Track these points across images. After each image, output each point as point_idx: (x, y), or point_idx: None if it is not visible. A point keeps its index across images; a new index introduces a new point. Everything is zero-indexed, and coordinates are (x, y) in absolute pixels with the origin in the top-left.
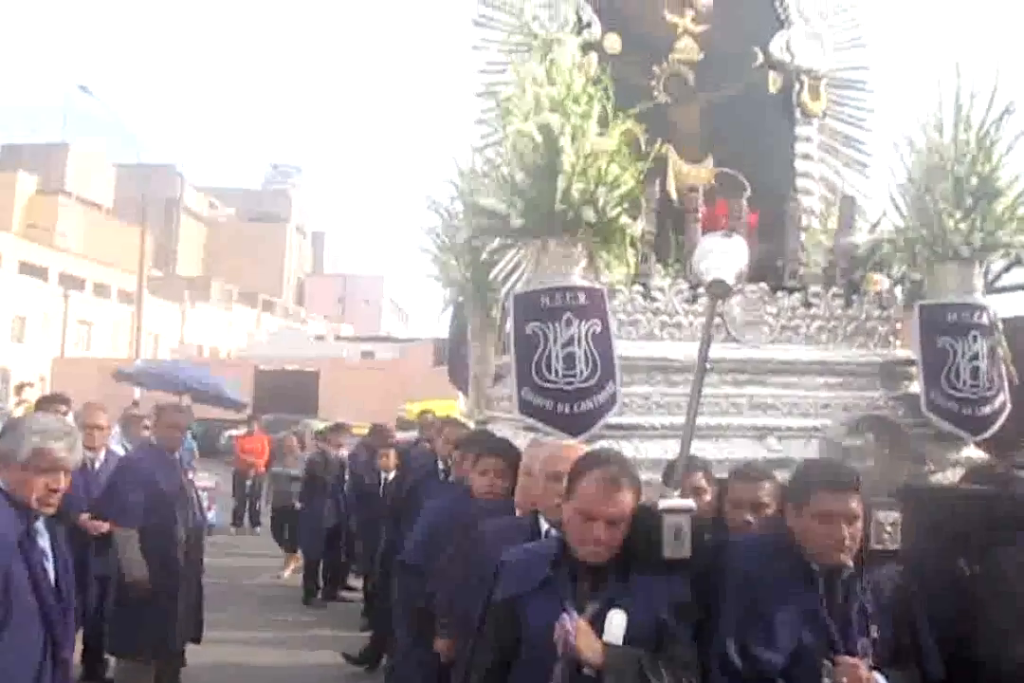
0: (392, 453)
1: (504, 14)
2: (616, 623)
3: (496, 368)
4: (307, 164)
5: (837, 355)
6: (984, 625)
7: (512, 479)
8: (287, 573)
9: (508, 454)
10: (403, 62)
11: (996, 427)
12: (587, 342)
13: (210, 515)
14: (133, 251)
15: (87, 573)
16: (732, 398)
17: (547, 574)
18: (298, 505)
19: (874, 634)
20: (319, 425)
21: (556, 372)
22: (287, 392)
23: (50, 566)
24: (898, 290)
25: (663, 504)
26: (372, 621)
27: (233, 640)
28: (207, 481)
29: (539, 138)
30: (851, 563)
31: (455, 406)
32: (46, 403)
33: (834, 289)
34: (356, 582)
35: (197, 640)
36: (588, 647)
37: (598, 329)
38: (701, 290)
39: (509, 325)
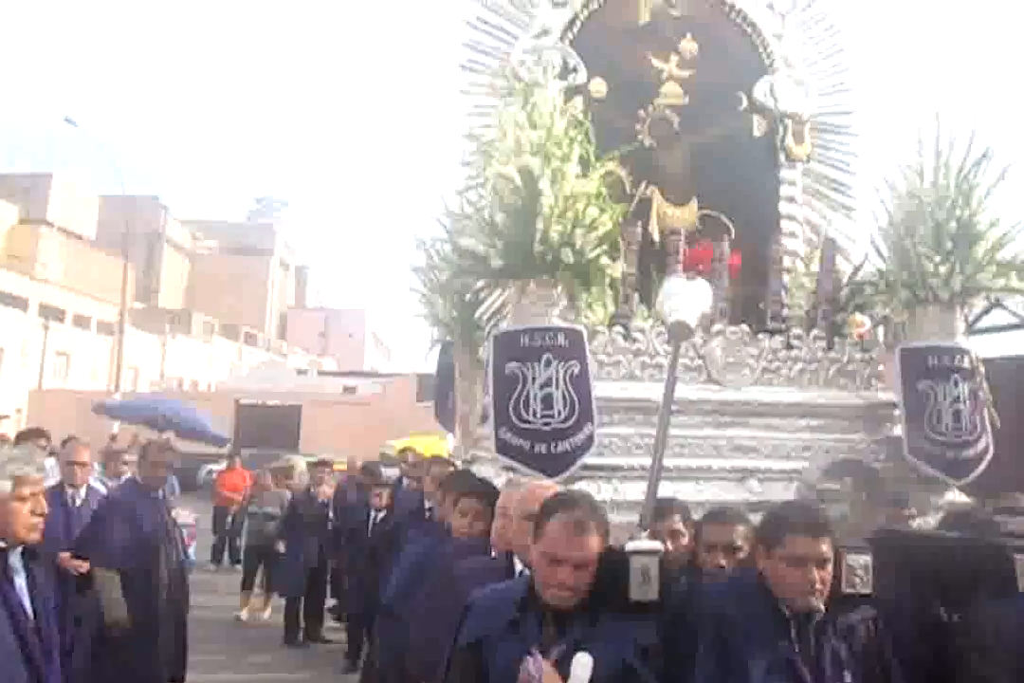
0: (385, 493)
1: (491, 59)
2: (582, 666)
3: (483, 408)
4: (292, 198)
5: (819, 397)
6: (962, 674)
7: (491, 519)
8: (267, 613)
9: (487, 495)
10: (392, 101)
11: (979, 471)
12: (566, 383)
13: (189, 552)
14: (114, 282)
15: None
16: (712, 440)
17: (514, 616)
18: (281, 546)
19: (848, 680)
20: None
21: (534, 412)
22: (268, 427)
23: (27, 604)
24: (880, 331)
25: (630, 546)
26: (355, 663)
27: None
28: (187, 518)
29: (519, 180)
30: (822, 607)
31: (438, 442)
32: (25, 437)
33: (816, 331)
34: (333, 623)
35: (178, 681)
36: None
37: (577, 370)
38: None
39: (489, 364)
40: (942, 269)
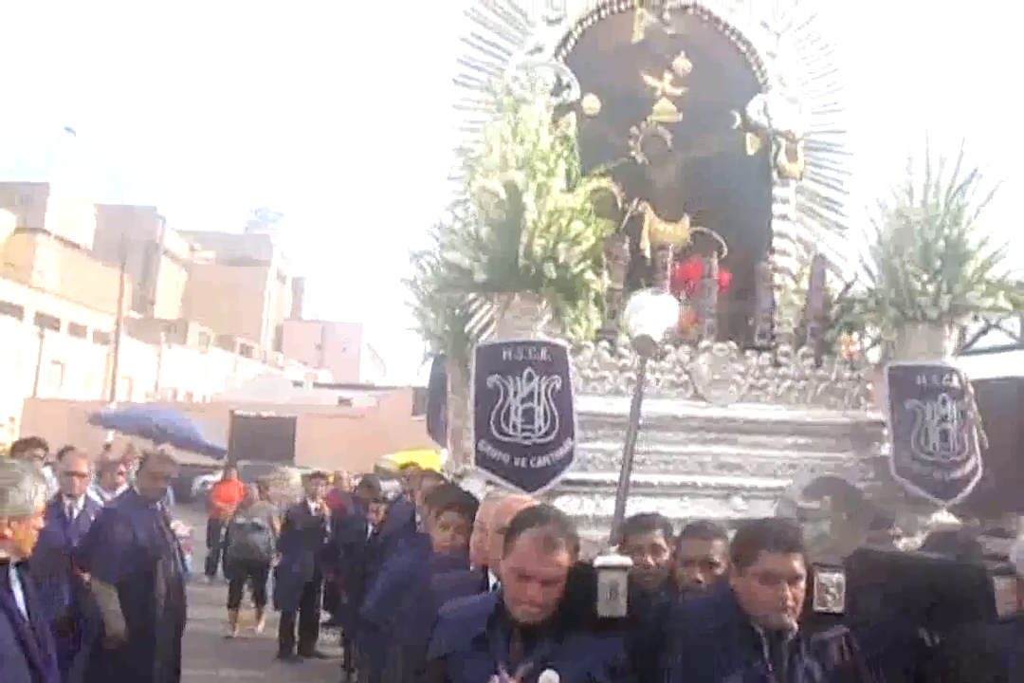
0: (383, 508)
1: (485, 75)
2: None
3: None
4: (289, 209)
5: (806, 415)
6: None
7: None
8: (260, 627)
9: (469, 508)
10: (390, 113)
11: (967, 492)
12: (547, 398)
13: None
14: (111, 292)
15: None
16: (697, 456)
17: (482, 632)
18: (275, 559)
19: None
20: (296, 473)
21: (514, 426)
22: (263, 438)
23: (25, 612)
24: (875, 351)
25: (599, 561)
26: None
27: None
28: (182, 529)
29: (503, 195)
30: (795, 624)
31: (434, 457)
32: (22, 447)
33: (804, 349)
34: (327, 636)
35: None
36: None
37: (559, 385)
38: (669, 348)
39: (472, 377)
40: (930, 288)
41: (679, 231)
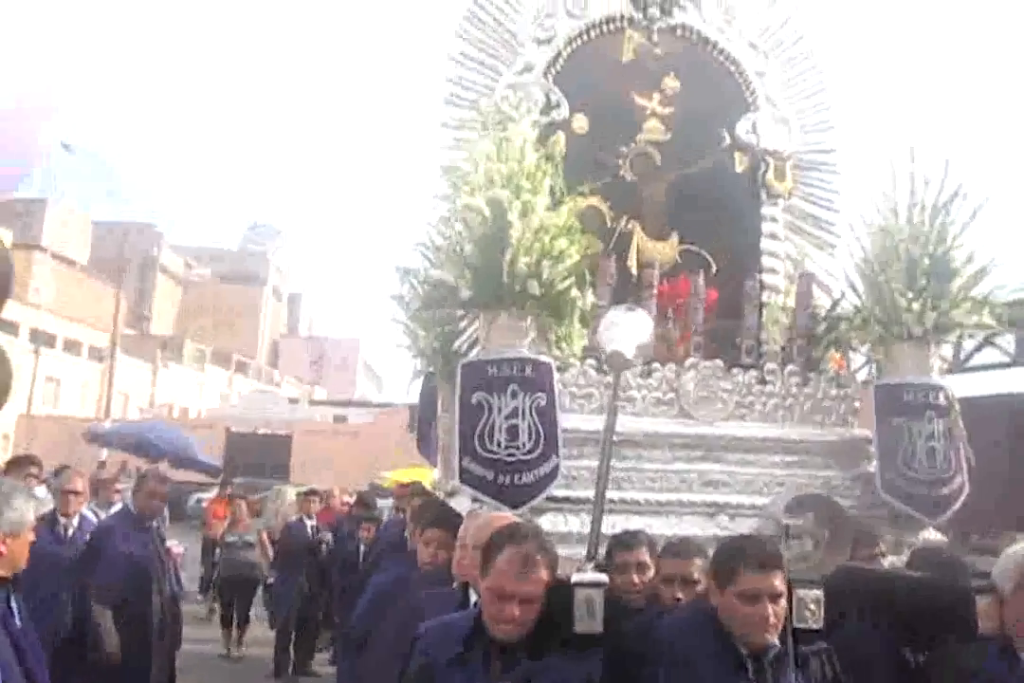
0: (373, 526)
1: (474, 94)
2: None
3: None
4: (286, 226)
5: (793, 433)
6: None
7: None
8: (242, 651)
9: (453, 525)
10: (386, 130)
11: (954, 509)
12: (531, 415)
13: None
14: (106, 308)
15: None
16: (683, 474)
17: (460, 650)
18: (270, 576)
19: None
20: (291, 491)
21: (498, 443)
22: (259, 456)
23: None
24: (866, 370)
25: (575, 578)
26: None
27: None
28: (176, 547)
29: (488, 212)
30: (777, 642)
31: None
32: (16, 465)
33: (791, 367)
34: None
35: None
36: None
37: (543, 402)
38: (655, 365)
39: (456, 393)
40: (915, 305)
41: (667, 249)
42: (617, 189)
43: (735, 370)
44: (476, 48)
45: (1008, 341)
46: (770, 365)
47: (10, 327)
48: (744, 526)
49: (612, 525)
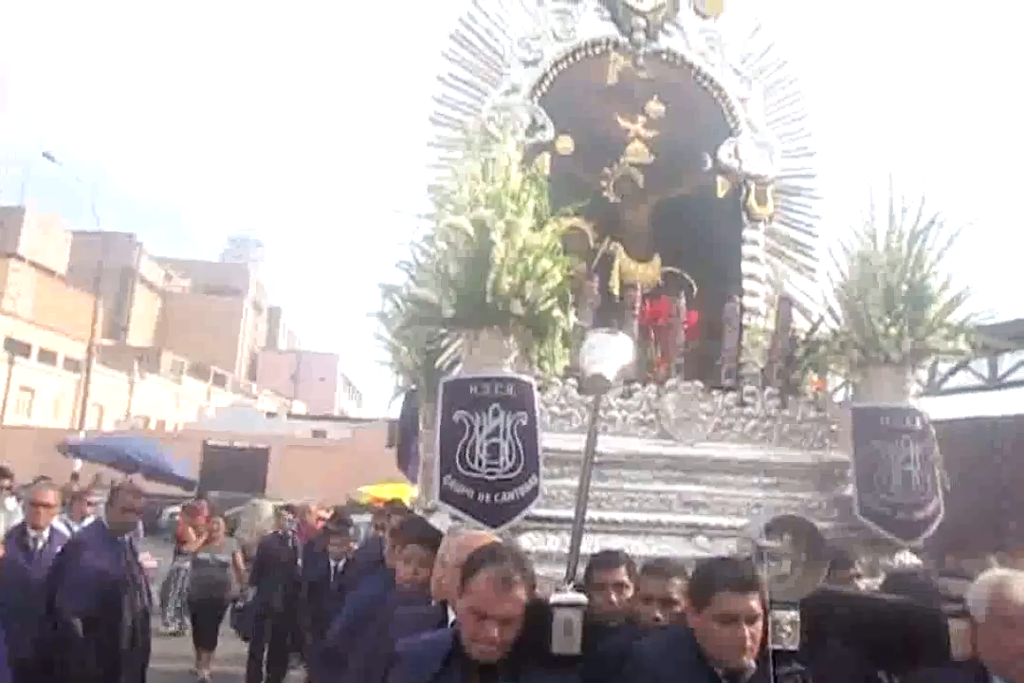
0: (343, 542)
1: (460, 113)
2: None
3: None
4: (267, 239)
5: (771, 455)
6: None
7: None
8: (207, 673)
9: (432, 543)
10: (370, 146)
11: (929, 532)
12: (513, 434)
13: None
14: (84, 318)
15: None
16: (663, 494)
17: (439, 669)
18: (248, 593)
19: None
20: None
21: (479, 462)
22: (235, 469)
23: None
24: (839, 392)
25: (554, 598)
26: None
27: None
28: (149, 562)
29: (472, 232)
30: (753, 664)
31: (408, 490)
32: None
33: (769, 389)
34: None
35: None
36: None
37: (524, 422)
38: (636, 385)
39: (438, 411)
40: (893, 330)
41: (650, 271)
42: (600, 210)
43: (715, 392)
44: (463, 68)
45: (982, 365)
46: (749, 387)
47: None
48: (722, 547)
49: (591, 545)
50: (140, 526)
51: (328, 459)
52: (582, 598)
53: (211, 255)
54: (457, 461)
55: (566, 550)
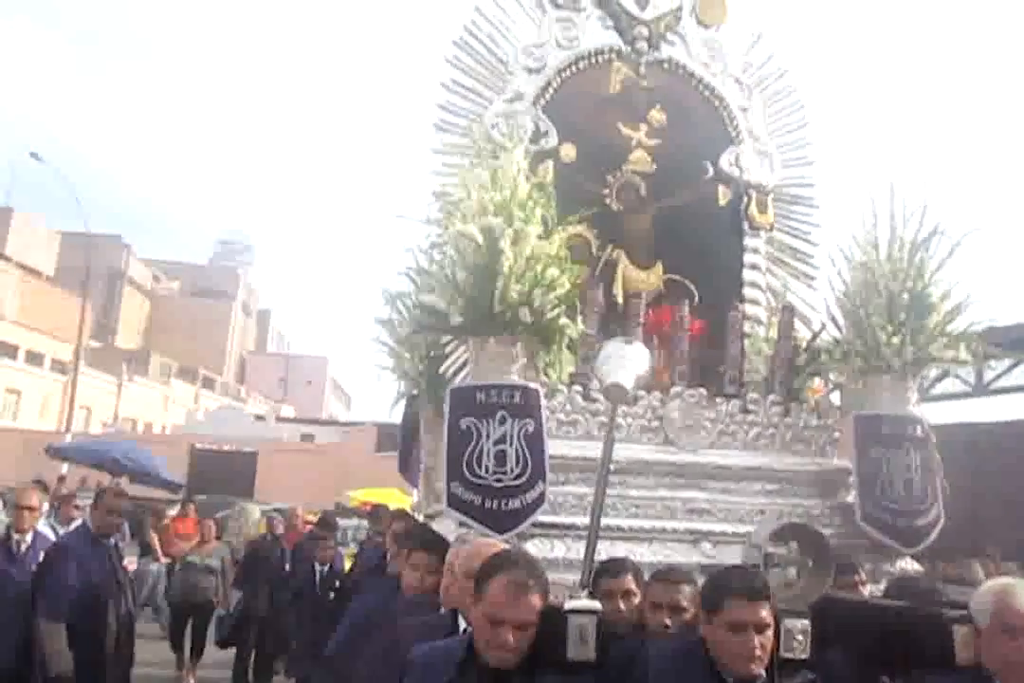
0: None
1: (464, 120)
2: None
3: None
4: (256, 242)
5: (774, 462)
6: None
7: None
8: (192, 681)
9: (440, 550)
10: (365, 150)
11: (930, 539)
12: (519, 441)
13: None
14: (71, 320)
15: None
16: (667, 501)
17: (453, 675)
18: (233, 596)
19: None
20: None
21: (487, 468)
22: (223, 473)
23: None
24: (835, 397)
25: (569, 605)
26: None
27: None
28: (132, 565)
29: (480, 239)
30: (763, 673)
31: (396, 495)
32: None
33: (772, 397)
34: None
35: None
36: None
37: (531, 429)
38: (641, 393)
39: (445, 418)
40: (895, 339)
41: (652, 278)
42: (603, 218)
43: (718, 399)
44: (467, 75)
45: (968, 372)
46: (753, 395)
47: None
48: (727, 553)
49: (597, 552)
50: (126, 529)
51: (316, 462)
52: (597, 605)
53: (199, 258)
54: (464, 468)
55: (571, 556)
